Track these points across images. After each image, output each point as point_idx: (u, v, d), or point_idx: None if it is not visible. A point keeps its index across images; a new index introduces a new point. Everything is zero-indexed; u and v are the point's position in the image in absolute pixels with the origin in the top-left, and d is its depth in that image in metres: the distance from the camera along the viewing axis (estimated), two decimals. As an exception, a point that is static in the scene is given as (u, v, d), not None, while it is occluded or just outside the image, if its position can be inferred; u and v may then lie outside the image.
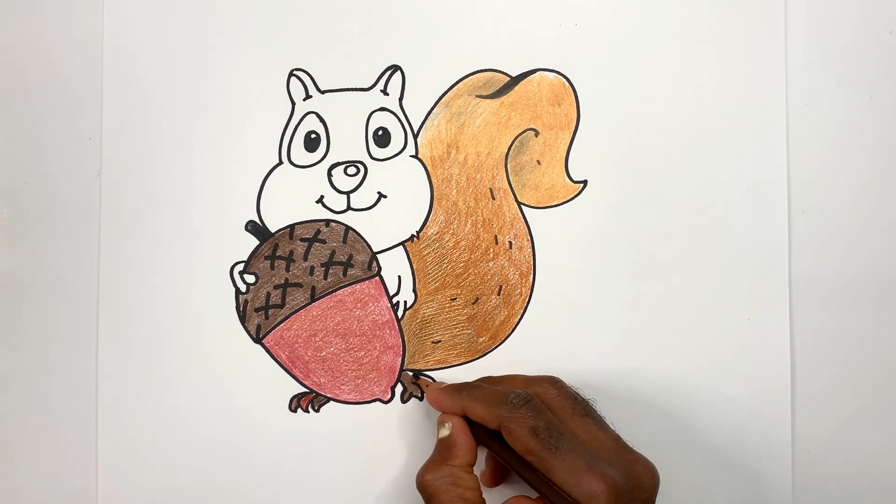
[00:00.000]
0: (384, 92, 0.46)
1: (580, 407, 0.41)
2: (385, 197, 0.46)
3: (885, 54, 0.47)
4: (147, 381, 0.46)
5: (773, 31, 0.47)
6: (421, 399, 0.47)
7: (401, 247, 0.47)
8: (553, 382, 0.42)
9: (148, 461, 0.46)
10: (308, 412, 0.47)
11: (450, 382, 0.45)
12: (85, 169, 0.47)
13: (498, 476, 0.44)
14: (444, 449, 0.41)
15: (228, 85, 0.46)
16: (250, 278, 0.47)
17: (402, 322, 0.47)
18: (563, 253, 0.46)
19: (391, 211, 0.47)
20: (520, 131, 0.47)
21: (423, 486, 0.40)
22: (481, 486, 0.41)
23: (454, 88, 0.46)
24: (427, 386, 0.46)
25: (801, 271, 0.47)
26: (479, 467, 0.44)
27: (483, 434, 0.41)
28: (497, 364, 0.47)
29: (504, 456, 0.40)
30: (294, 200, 0.46)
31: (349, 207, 0.47)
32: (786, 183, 0.46)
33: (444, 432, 0.42)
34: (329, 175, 0.46)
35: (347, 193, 0.46)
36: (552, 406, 0.40)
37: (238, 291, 0.47)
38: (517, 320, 0.47)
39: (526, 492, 0.40)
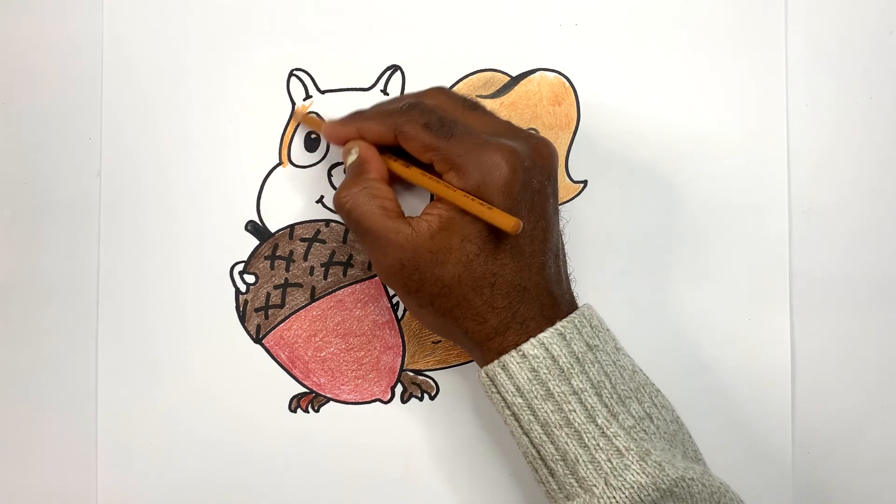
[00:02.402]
0: (384, 92, 0.46)
1: (469, 103, 0.41)
2: (385, 197, 0.46)
3: (885, 54, 0.47)
4: (147, 381, 0.46)
5: (773, 31, 0.47)
6: (421, 399, 0.47)
7: (401, 247, 0.47)
8: (440, 90, 0.42)
9: (148, 461, 0.46)
10: (308, 412, 0.47)
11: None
12: (85, 169, 0.47)
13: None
14: (355, 168, 0.41)
15: (228, 85, 0.46)
16: (250, 278, 0.47)
17: (402, 322, 0.47)
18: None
19: (391, 211, 0.46)
20: (520, 131, 0.47)
21: (340, 204, 0.40)
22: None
23: (454, 88, 0.46)
24: (321, 127, 0.44)
25: (802, 271, 0.47)
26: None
27: (388, 160, 0.41)
28: (497, 364, 0.47)
29: (406, 175, 0.40)
30: (294, 200, 0.46)
31: (349, 207, 0.46)
32: (786, 183, 0.46)
33: (352, 157, 0.41)
34: (329, 175, 0.46)
35: (347, 193, 0.46)
36: (442, 107, 0.40)
37: (238, 291, 0.47)
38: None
39: None
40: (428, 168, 0.40)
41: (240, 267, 0.47)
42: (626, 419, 0.37)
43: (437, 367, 0.47)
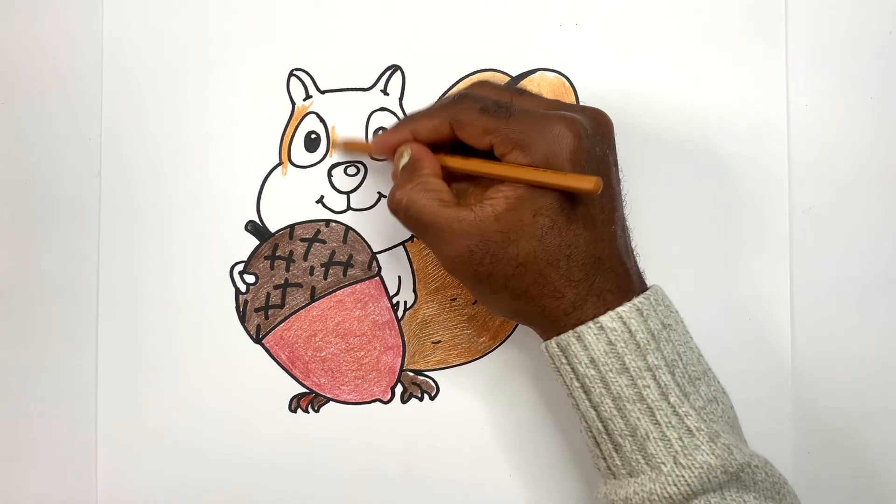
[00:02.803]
0: (384, 92, 0.46)
1: (516, 89, 0.41)
2: (385, 197, 0.46)
3: (885, 54, 0.47)
4: (147, 382, 0.46)
5: (773, 31, 0.46)
6: (421, 399, 0.47)
7: (401, 247, 0.47)
8: (483, 82, 0.41)
9: (148, 461, 0.46)
10: (308, 412, 0.47)
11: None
12: (85, 169, 0.47)
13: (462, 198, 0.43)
14: (407, 168, 0.40)
15: (228, 85, 0.46)
16: (250, 278, 0.47)
17: (402, 322, 0.47)
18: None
19: (391, 211, 0.46)
20: (520, 131, 0.47)
21: (396, 202, 0.39)
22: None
23: (454, 88, 0.46)
24: (369, 146, 0.44)
25: (802, 271, 0.46)
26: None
27: (442, 157, 0.40)
28: (497, 364, 0.47)
29: (465, 167, 0.39)
30: (294, 200, 0.46)
31: (349, 207, 0.47)
32: (786, 183, 0.46)
33: (404, 160, 0.41)
34: (329, 175, 0.46)
35: (347, 193, 0.46)
36: (491, 95, 0.40)
37: (238, 291, 0.47)
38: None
39: None
40: (484, 156, 0.39)
41: (240, 267, 0.47)
42: (697, 399, 0.37)
43: (437, 367, 0.47)
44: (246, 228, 0.47)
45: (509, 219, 0.37)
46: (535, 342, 0.46)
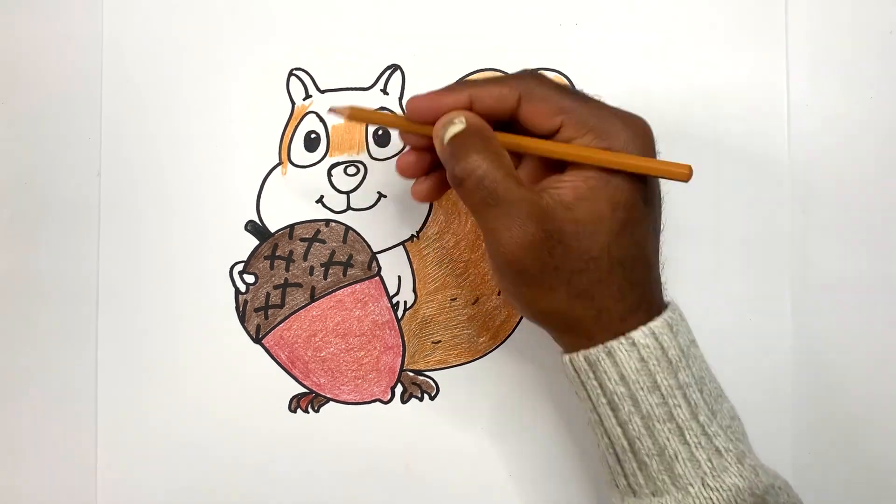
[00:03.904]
0: (384, 91, 0.46)
1: (564, 85, 0.39)
2: (385, 197, 0.46)
3: (885, 54, 0.47)
4: (147, 382, 0.46)
5: (774, 31, 0.46)
6: (421, 399, 0.47)
7: (401, 247, 0.47)
8: (529, 72, 0.38)
9: (148, 461, 0.46)
10: (308, 412, 0.47)
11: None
12: (85, 169, 0.47)
13: (438, 189, 0.41)
14: (475, 136, 0.35)
15: (228, 85, 0.46)
16: (250, 278, 0.47)
17: (402, 322, 0.47)
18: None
19: (391, 211, 0.46)
20: (520, 131, 0.47)
21: (469, 170, 0.34)
22: (416, 199, 0.40)
23: (454, 88, 0.46)
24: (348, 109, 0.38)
25: (803, 271, 0.46)
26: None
27: (498, 134, 0.36)
28: (497, 364, 0.47)
29: (533, 146, 0.36)
30: (294, 200, 0.46)
31: (349, 207, 0.46)
32: (786, 182, 0.46)
33: (456, 128, 0.35)
34: (329, 175, 0.46)
35: (347, 193, 0.46)
36: None
37: (238, 291, 0.47)
38: (517, 320, 0.47)
39: None
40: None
41: (239, 267, 0.47)
42: (724, 418, 0.35)
43: (437, 367, 0.47)
44: (246, 228, 0.47)
45: (583, 209, 0.34)
46: (535, 342, 0.46)
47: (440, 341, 0.47)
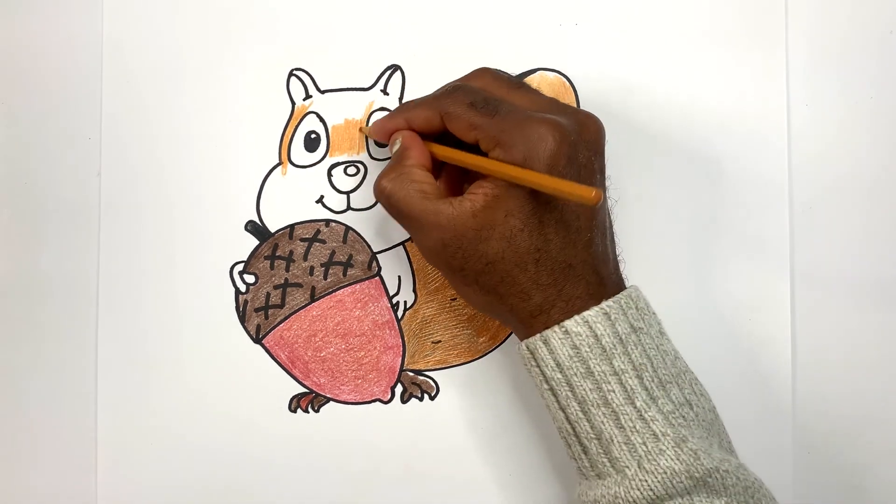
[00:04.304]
0: (384, 92, 0.46)
1: (514, 82, 0.41)
2: (385, 197, 0.46)
3: (885, 54, 0.47)
4: (147, 382, 0.46)
5: (773, 31, 0.46)
6: (421, 399, 0.47)
7: (401, 247, 0.47)
8: (485, 70, 0.42)
9: (148, 461, 0.46)
10: (308, 412, 0.47)
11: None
12: (85, 169, 0.47)
13: (453, 188, 0.44)
14: (396, 156, 0.41)
15: (228, 85, 0.46)
16: (250, 278, 0.47)
17: (402, 322, 0.47)
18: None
19: (391, 211, 0.46)
20: (520, 131, 0.47)
21: (379, 190, 0.40)
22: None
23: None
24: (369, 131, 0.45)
25: (803, 271, 0.46)
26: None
27: (431, 146, 0.41)
28: (497, 364, 0.47)
29: (453, 157, 0.40)
30: (294, 200, 0.46)
31: (349, 207, 0.46)
32: (787, 183, 0.46)
33: (396, 146, 0.42)
34: (329, 175, 0.46)
35: (347, 193, 0.46)
36: (487, 88, 0.40)
37: (238, 291, 0.47)
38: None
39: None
40: (474, 150, 0.39)
41: (240, 267, 0.47)
42: (666, 404, 0.37)
43: (437, 367, 0.47)
44: (246, 228, 0.47)
45: (483, 216, 0.37)
46: (535, 342, 0.46)
47: (440, 341, 0.47)
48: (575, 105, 0.46)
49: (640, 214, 0.46)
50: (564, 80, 0.46)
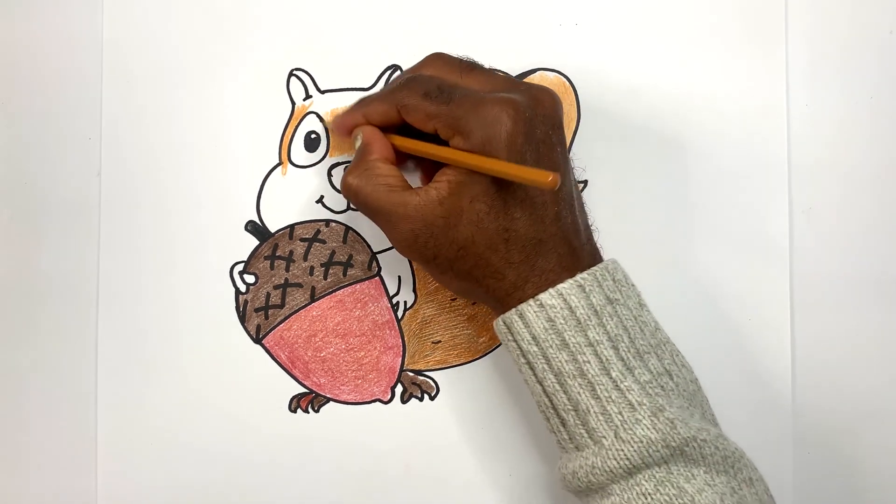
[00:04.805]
0: (384, 92, 0.46)
1: (466, 64, 0.41)
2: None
3: (885, 54, 0.47)
4: (147, 382, 0.46)
5: (773, 31, 0.46)
6: (421, 399, 0.47)
7: (401, 247, 0.47)
8: (436, 56, 0.42)
9: (148, 461, 0.46)
10: (308, 412, 0.47)
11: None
12: (85, 169, 0.47)
13: (431, 176, 0.42)
14: (359, 152, 0.41)
15: (228, 85, 0.46)
16: (250, 278, 0.47)
17: (402, 322, 0.47)
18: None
19: (391, 211, 0.46)
20: (520, 131, 0.47)
21: (346, 187, 0.41)
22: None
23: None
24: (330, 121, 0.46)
25: (802, 271, 0.47)
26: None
27: (393, 139, 0.41)
28: (497, 364, 0.47)
29: (414, 148, 0.40)
30: (294, 200, 0.46)
31: (349, 207, 0.46)
32: (786, 183, 0.46)
33: (358, 142, 0.42)
34: (329, 175, 0.46)
35: (347, 193, 0.46)
36: (440, 74, 0.40)
37: (238, 291, 0.47)
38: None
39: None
40: (436, 140, 0.40)
41: (240, 267, 0.47)
42: (643, 374, 0.37)
43: (437, 367, 0.47)
44: (246, 228, 0.47)
45: (451, 203, 0.38)
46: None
47: (440, 341, 0.47)
48: (574, 105, 0.46)
49: (639, 214, 0.46)
50: (564, 80, 0.46)
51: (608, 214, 0.46)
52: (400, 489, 0.47)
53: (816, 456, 0.47)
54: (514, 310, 0.38)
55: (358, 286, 0.47)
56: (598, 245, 0.41)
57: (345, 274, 0.47)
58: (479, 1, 0.46)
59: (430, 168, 0.43)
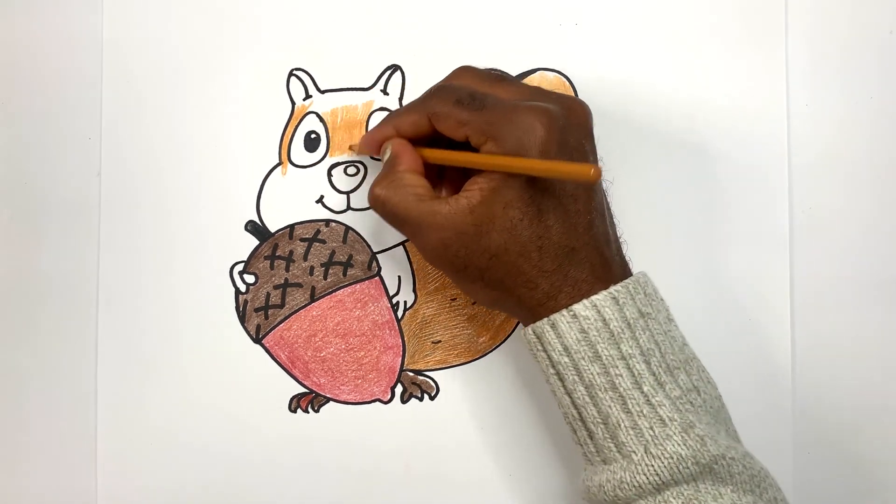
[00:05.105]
0: (384, 92, 0.46)
1: (496, 75, 0.41)
2: (385, 197, 0.46)
3: (885, 54, 0.47)
4: (147, 382, 0.46)
5: (773, 31, 0.46)
6: (421, 399, 0.47)
7: (401, 247, 0.47)
8: (465, 68, 0.42)
9: (148, 461, 0.46)
10: (308, 412, 0.47)
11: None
12: (85, 169, 0.47)
13: (457, 191, 0.43)
14: (388, 164, 0.41)
15: (228, 85, 0.46)
16: (250, 278, 0.47)
17: (402, 322, 0.47)
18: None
19: (391, 211, 0.46)
20: (520, 131, 0.47)
21: (374, 198, 0.40)
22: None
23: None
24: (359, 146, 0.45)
25: (803, 271, 0.47)
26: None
27: (422, 151, 0.41)
28: (497, 364, 0.47)
29: (444, 157, 0.40)
30: (294, 200, 0.46)
31: (349, 207, 0.47)
32: (787, 182, 0.46)
33: (387, 155, 0.41)
34: (329, 175, 0.46)
35: (347, 193, 0.46)
36: (470, 84, 0.40)
37: (238, 291, 0.47)
38: (517, 320, 0.47)
39: None
40: (466, 148, 0.39)
41: (240, 267, 0.47)
42: (673, 389, 0.37)
43: (437, 367, 0.47)
44: (246, 228, 0.47)
45: (482, 211, 0.37)
46: (535, 342, 0.46)
47: (440, 341, 0.47)
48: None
49: (639, 214, 0.46)
50: (564, 80, 0.47)
51: (608, 214, 0.46)
52: (400, 489, 0.47)
53: (816, 456, 0.47)
54: (545, 319, 0.38)
55: (358, 286, 0.47)
56: (627, 257, 0.41)
57: (345, 274, 0.47)
58: (479, 1, 0.46)
59: (459, 185, 0.43)
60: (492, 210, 0.37)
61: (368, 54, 0.46)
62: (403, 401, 0.47)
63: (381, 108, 0.46)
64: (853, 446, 0.47)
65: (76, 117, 0.47)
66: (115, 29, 0.46)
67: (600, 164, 0.41)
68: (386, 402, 0.47)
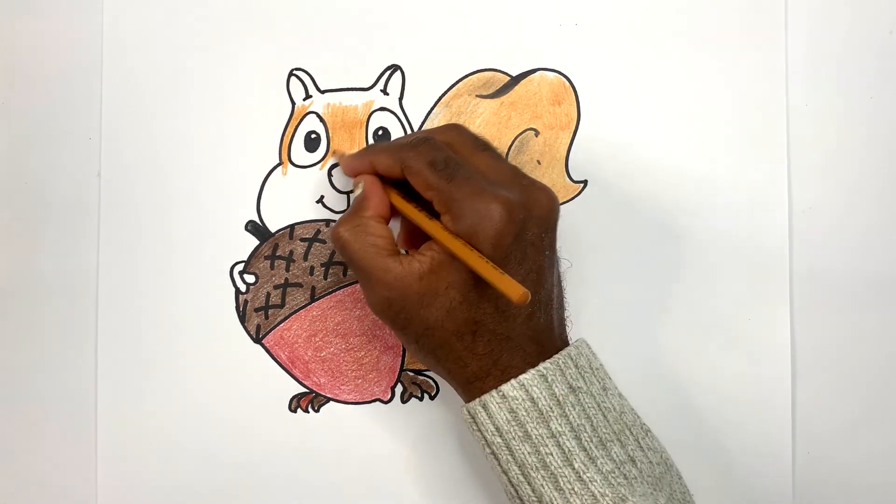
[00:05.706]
0: (384, 92, 0.46)
1: (480, 143, 0.41)
2: (385, 197, 0.46)
3: (885, 54, 0.47)
4: (147, 382, 0.46)
5: (773, 31, 0.46)
6: (421, 399, 0.47)
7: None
8: (453, 126, 0.42)
9: (148, 461, 0.46)
10: (308, 412, 0.47)
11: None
12: (85, 169, 0.47)
13: (412, 240, 0.44)
14: (356, 204, 0.41)
15: (228, 85, 0.46)
16: (250, 278, 0.47)
17: (402, 322, 0.47)
18: (563, 253, 0.46)
19: (391, 211, 0.46)
20: (520, 131, 0.47)
21: (335, 238, 0.40)
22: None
23: (454, 88, 0.46)
24: (340, 155, 0.46)
25: (802, 271, 0.47)
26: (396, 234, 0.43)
27: (392, 194, 0.41)
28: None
29: (407, 213, 0.40)
30: (294, 200, 0.46)
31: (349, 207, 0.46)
32: (786, 183, 0.46)
33: (357, 191, 0.42)
34: (329, 175, 0.46)
35: (347, 193, 0.46)
36: (452, 145, 0.40)
37: (238, 291, 0.47)
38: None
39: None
40: (430, 206, 0.40)
41: (240, 267, 0.47)
42: (605, 464, 0.37)
43: (437, 367, 0.47)
44: (246, 228, 0.47)
45: (427, 282, 0.38)
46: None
47: (440, 341, 0.47)
48: (574, 105, 0.46)
49: (639, 214, 0.46)
50: (564, 80, 0.47)
51: (608, 214, 0.46)
52: (400, 489, 0.47)
53: (816, 456, 0.47)
54: (477, 400, 0.38)
55: (358, 286, 0.47)
56: (569, 335, 0.41)
57: (345, 274, 0.47)
58: (479, 1, 0.46)
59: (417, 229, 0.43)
60: (437, 284, 0.38)
61: (368, 54, 0.46)
62: (403, 401, 0.47)
63: (381, 108, 0.46)
64: (853, 446, 0.47)
65: (76, 117, 0.47)
66: (116, 29, 0.46)
67: (563, 260, 0.41)
68: (386, 402, 0.47)
